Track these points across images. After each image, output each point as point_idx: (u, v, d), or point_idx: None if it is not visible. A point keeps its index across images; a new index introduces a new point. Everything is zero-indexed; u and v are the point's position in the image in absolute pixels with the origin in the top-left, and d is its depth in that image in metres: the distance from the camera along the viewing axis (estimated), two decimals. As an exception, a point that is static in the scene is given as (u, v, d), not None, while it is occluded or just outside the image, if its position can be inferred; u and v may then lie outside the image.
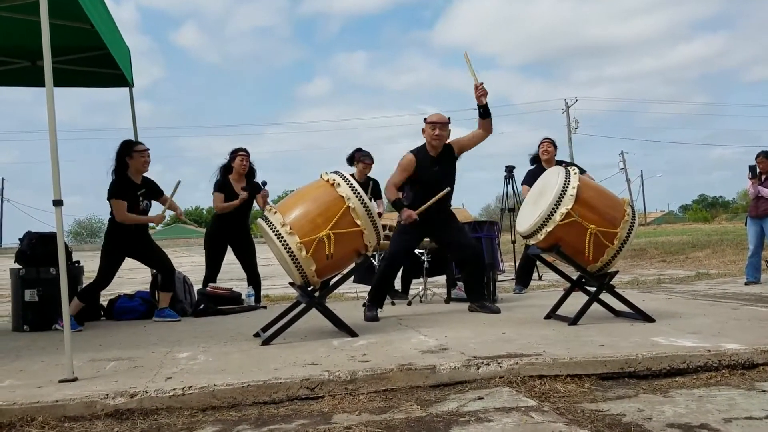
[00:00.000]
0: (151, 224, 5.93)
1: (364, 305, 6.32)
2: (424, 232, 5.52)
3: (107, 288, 5.80)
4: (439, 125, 5.27)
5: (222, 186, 6.50)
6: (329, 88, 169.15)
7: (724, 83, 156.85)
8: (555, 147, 7.08)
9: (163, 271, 5.77)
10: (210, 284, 6.51)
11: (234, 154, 6.57)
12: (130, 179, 5.60)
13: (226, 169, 6.58)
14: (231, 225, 6.54)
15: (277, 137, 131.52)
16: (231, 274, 9.51)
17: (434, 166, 5.33)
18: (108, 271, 5.55)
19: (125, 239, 5.57)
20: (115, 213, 5.50)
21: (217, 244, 6.62)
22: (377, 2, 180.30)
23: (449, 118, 5.38)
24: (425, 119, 5.38)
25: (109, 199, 5.51)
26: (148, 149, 5.71)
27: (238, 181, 6.54)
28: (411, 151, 5.39)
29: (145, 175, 5.75)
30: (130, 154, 5.57)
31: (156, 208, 5.87)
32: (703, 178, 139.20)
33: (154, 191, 5.81)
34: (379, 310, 5.38)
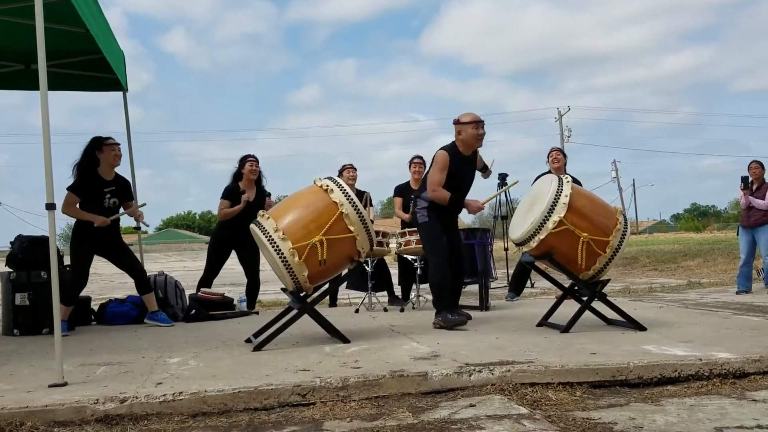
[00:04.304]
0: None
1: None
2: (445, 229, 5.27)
3: (99, 293, 5.77)
4: (481, 124, 5.11)
5: (231, 192, 6.48)
6: (319, 94, 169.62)
7: (712, 94, 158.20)
8: (564, 156, 7.10)
9: (135, 274, 5.71)
10: (202, 289, 6.49)
11: (243, 160, 6.55)
12: (99, 176, 5.50)
13: (236, 177, 6.56)
14: (238, 230, 6.48)
15: (267, 143, 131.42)
16: (224, 279, 9.46)
17: (462, 165, 5.17)
18: (80, 271, 5.46)
19: (90, 237, 5.46)
20: (62, 204, 5.35)
21: (221, 248, 6.59)
22: (364, 10, 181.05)
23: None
24: (459, 120, 5.13)
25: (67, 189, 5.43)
26: (119, 143, 5.61)
27: (248, 187, 6.52)
28: (443, 149, 5.16)
29: (121, 174, 5.66)
30: (100, 148, 5.47)
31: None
32: (695, 187, 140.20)
33: (124, 192, 5.69)
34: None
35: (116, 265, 5.81)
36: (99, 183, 5.50)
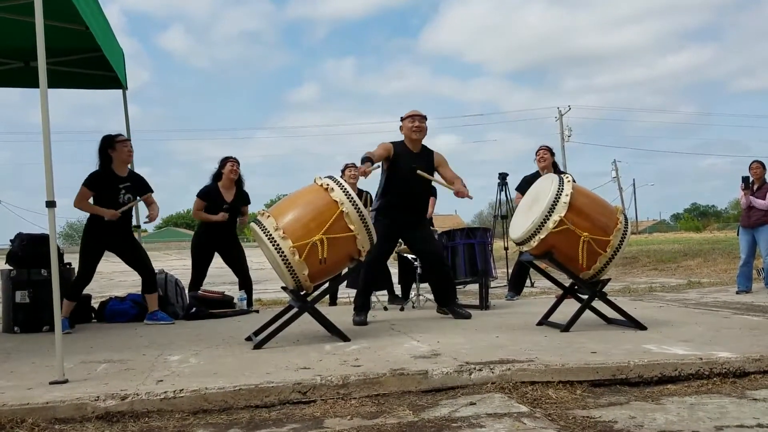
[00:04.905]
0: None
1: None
2: (397, 234, 5.54)
3: (99, 291, 5.78)
4: (417, 117, 5.33)
5: (207, 193, 6.51)
6: (318, 93, 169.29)
7: (713, 94, 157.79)
8: (552, 154, 7.11)
9: (143, 272, 5.72)
10: (202, 288, 6.49)
11: (224, 161, 6.59)
12: (114, 172, 5.56)
13: (215, 177, 6.58)
14: (218, 231, 6.53)
15: (267, 142, 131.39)
16: (224, 278, 9.47)
17: (412, 161, 5.30)
18: (88, 266, 5.50)
19: (103, 233, 5.51)
20: (75, 198, 5.47)
21: (203, 250, 6.60)
22: (363, 8, 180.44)
23: (425, 116, 5.42)
24: (402, 117, 5.43)
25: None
26: (130, 139, 5.70)
27: (228, 188, 6.54)
28: (391, 142, 5.41)
29: (135, 171, 5.72)
30: (112, 146, 5.54)
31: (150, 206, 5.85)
32: (695, 187, 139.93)
33: (141, 186, 5.76)
34: (366, 314, 5.39)
35: (125, 262, 5.84)
36: (113, 179, 5.55)
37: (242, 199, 6.63)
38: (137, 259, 5.75)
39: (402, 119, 5.42)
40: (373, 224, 5.25)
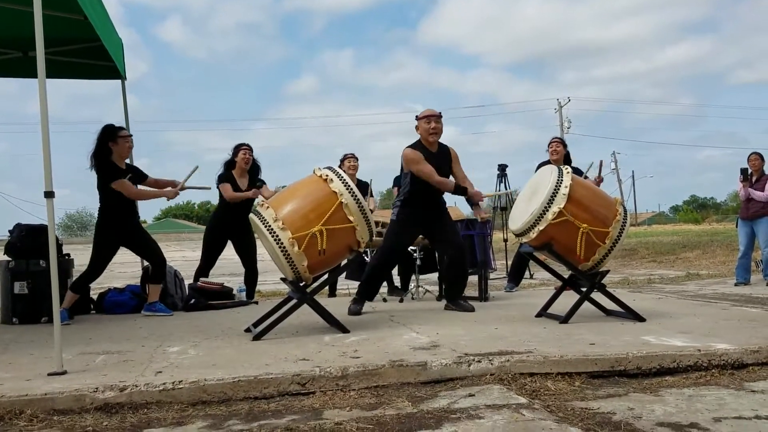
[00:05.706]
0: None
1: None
2: (418, 229, 5.53)
3: (98, 282, 5.77)
4: (433, 118, 5.31)
5: (226, 179, 6.47)
6: (316, 85, 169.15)
7: (711, 85, 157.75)
8: (565, 146, 7.08)
9: (155, 262, 5.70)
10: (201, 278, 6.49)
11: (237, 149, 6.53)
12: (116, 164, 5.50)
13: (229, 165, 6.55)
14: (234, 220, 6.47)
15: (266, 133, 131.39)
16: (223, 269, 9.48)
17: (433, 161, 5.31)
18: (100, 262, 5.47)
19: (118, 229, 5.49)
20: (125, 193, 5.40)
21: (217, 239, 6.57)
22: (361, 0, 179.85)
23: (440, 113, 5.41)
24: (417, 116, 5.39)
25: (108, 183, 5.38)
26: (132, 135, 5.66)
27: (241, 176, 6.50)
28: (409, 146, 5.38)
29: (126, 161, 5.72)
30: (114, 139, 5.45)
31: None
32: (694, 179, 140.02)
33: (138, 176, 5.74)
34: (365, 304, 5.39)
35: (138, 254, 5.87)
36: (119, 171, 5.50)
37: (256, 186, 6.58)
38: (150, 250, 5.73)
39: (417, 118, 5.39)
40: (396, 215, 5.45)
